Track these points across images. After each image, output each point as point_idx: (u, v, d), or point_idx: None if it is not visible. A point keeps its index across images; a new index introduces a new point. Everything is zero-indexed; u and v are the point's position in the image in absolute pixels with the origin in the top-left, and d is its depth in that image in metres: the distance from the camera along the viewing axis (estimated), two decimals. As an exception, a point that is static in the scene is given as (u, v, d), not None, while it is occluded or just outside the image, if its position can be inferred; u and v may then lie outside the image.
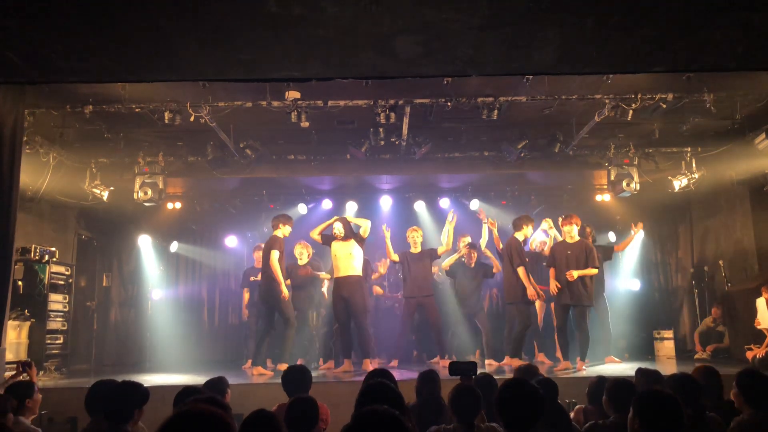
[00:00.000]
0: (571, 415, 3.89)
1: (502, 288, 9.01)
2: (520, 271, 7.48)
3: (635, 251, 10.49)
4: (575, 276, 7.17)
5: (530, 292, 7.44)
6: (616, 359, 7.95)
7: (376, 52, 3.90)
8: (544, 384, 3.61)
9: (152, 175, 8.51)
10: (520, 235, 7.76)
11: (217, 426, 1.68)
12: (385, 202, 10.44)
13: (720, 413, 3.47)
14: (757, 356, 7.22)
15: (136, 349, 10.49)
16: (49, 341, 8.24)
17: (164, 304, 10.69)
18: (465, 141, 8.65)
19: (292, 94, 6.77)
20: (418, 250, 8.22)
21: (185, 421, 1.68)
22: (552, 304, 7.87)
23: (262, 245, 8.23)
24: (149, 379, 6.87)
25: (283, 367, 7.01)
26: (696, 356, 8.76)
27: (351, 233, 7.66)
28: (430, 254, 8.23)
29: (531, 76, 6.21)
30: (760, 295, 7.57)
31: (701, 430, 3.27)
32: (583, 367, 7.05)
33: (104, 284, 10.68)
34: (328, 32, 3.63)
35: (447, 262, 8.45)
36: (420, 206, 10.57)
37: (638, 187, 8.59)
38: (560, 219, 7.71)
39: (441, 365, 7.59)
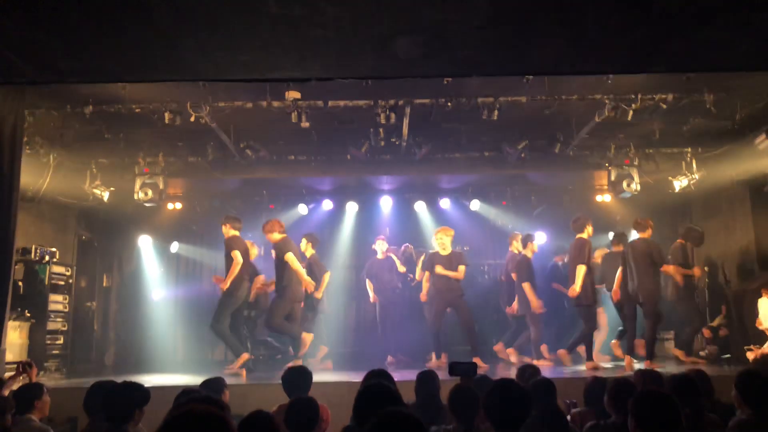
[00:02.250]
0: (567, 418, 3.87)
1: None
2: (581, 269, 7.46)
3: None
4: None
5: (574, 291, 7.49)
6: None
7: (376, 52, 3.90)
8: (542, 385, 3.61)
9: (152, 175, 8.51)
10: (584, 235, 7.76)
11: (217, 426, 1.67)
12: (386, 203, 10.44)
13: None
14: (758, 357, 7.22)
15: (136, 349, 10.48)
16: (49, 342, 8.24)
17: (164, 304, 10.68)
18: (465, 141, 8.65)
19: (292, 94, 6.76)
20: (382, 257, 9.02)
21: (184, 421, 1.67)
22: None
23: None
24: (149, 380, 6.86)
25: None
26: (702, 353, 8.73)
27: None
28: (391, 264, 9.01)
29: (531, 76, 6.20)
30: (760, 295, 7.56)
31: (699, 430, 3.26)
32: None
33: (104, 284, 10.68)
34: (328, 32, 3.63)
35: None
36: (420, 207, 10.57)
37: (638, 188, 8.59)
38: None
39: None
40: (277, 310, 7.65)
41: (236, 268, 7.32)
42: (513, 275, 8.67)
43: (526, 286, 8.30)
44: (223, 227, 7.70)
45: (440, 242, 8.25)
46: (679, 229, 10.09)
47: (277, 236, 7.75)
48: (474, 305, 10.92)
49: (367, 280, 9.17)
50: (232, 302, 7.43)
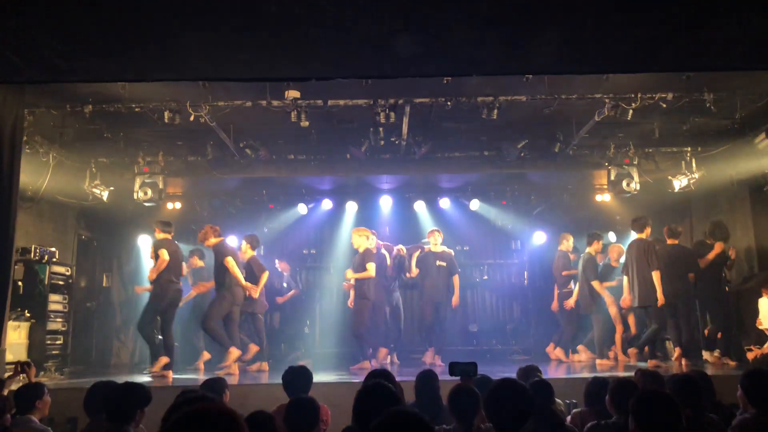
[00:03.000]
0: (568, 419, 3.87)
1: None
2: (656, 275, 7.33)
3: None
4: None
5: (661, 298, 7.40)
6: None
7: (376, 51, 3.90)
8: (539, 386, 3.60)
9: (152, 174, 8.51)
10: (644, 235, 7.71)
11: (229, 424, 1.65)
12: (385, 202, 10.44)
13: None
14: (758, 356, 7.23)
15: (136, 349, 10.48)
16: (49, 342, 8.23)
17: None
18: (465, 141, 8.65)
19: (292, 94, 6.76)
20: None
21: (198, 420, 1.65)
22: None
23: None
24: (149, 380, 6.87)
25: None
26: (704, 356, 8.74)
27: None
28: (381, 261, 8.72)
29: (531, 76, 6.21)
30: (760, 295, 7.56)
31: (700, 431, 3.27)
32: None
33: (104, 284, 10.67)
34: (328, 32, 3.63)
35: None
36: (420, 206, 10.57)
37: (638, 187, 8.59)
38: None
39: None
40: (215, 312, 7.61)
41: (162, 265, 7.34)
42: (564, 273, 8.98)
43: (596, 284, 8.42)
44: (155, 233, 7.73)
45: (356, 243, 8.36)
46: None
47: (213, 241, 7.83)
48: (480, 306, 11.08)
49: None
50: (159, 304, 7.40)
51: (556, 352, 8.92)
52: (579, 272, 8.70)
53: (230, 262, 7.65)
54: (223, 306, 7.65)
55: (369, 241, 8.61)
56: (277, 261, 10.04)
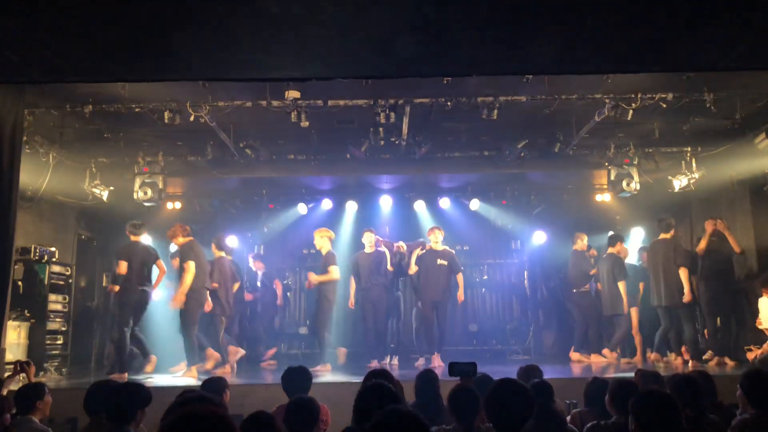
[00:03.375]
0: (568, 419, 3.87)
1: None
2: (683, 272, 7.62)
3: (635, 252, 10.49)
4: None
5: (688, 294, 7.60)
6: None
7: (376, 52, 3.90)
8: (539, 387, 3.60)
9: (152, 174, 8.51)
10: (668, 236, 7.98)
11: (220, 427, 1.67)
12: (385, 202, 10.43)
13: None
14: (758, 356, 7.22)
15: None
16: (49, 342, 8.24)
17: (164, 304, 10.65)
18: (465, 141, 8.66)
19: (292, 94, 6.76)
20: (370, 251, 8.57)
21: (188, 422, 1.67)
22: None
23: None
24: (149, 380, 6.87)
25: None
26: (704, 356, 8.74)
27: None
28: (381, 259, 8.61)
29: (531, 76, 6.21)
30: (760, 295, 7.56)
31: (700, 431, 3.27)
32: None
33: (104, 284, 10.66)
34: (328, 32, 3.63)
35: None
36: (420, 206, 10.56)
37: (638, 187, 8.60)
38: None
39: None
40: (188, 318, 7.41)
41: (119, 277, 7.26)
42: (591, 272, 8.96)
43: (621, 285, 8.41)
44: (126, 234, 7.62)
45: (318, 244, 8.31)
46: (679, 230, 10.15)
47: (181, 240, 7.61)
48: (480, 305, 11.07)
49: (351, 278, 8.58)
50: (125, 310, 7.32)
51: (604, 352, 8.75)
52: (603, 273, 8.65)
53: (190, 266, 7.34)
54: (192, 308, 7.43)
55: (371, 239, 8.61)
56: (251, 260, 10.01)
